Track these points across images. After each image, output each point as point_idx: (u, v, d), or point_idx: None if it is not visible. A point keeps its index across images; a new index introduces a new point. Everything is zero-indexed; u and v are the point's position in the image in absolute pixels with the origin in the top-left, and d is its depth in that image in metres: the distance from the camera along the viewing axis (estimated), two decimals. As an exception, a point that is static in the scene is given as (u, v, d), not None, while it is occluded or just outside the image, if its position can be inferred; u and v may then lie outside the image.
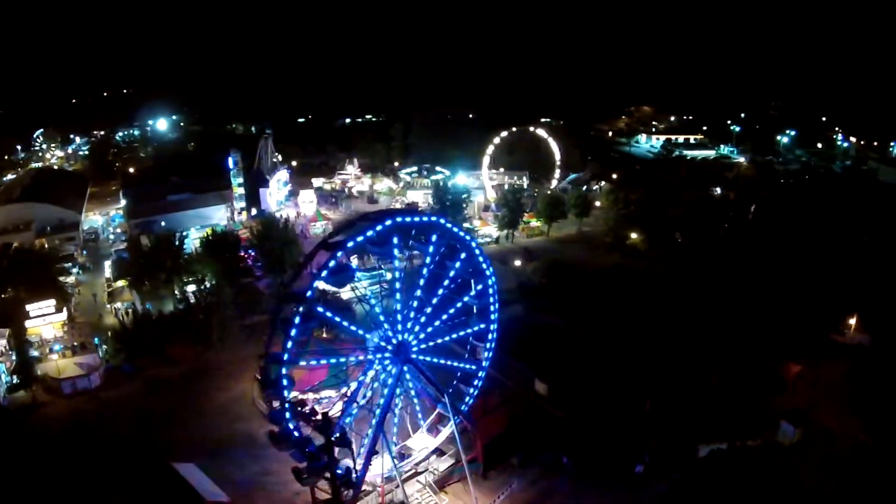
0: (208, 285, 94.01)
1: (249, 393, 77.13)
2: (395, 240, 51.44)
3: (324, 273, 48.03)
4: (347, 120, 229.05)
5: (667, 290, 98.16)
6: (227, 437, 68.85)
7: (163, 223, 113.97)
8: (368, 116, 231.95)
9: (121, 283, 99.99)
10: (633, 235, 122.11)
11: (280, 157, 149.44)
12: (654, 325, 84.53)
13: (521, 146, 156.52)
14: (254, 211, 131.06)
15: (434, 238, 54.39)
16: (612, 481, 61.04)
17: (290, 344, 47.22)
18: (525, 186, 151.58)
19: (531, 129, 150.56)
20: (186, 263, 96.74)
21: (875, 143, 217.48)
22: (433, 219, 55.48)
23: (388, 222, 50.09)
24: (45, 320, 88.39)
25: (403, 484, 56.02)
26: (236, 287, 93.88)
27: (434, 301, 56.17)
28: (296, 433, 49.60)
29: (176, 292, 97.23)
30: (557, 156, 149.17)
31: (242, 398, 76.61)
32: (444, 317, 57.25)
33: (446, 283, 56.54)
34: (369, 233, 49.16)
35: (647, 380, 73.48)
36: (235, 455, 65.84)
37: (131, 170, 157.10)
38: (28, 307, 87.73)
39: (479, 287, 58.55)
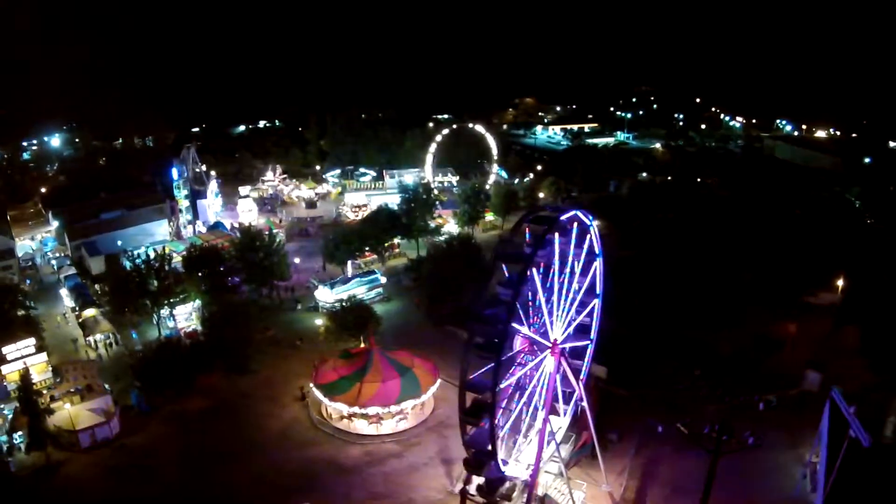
0: (200, 303, 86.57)
1: (303, 415, 71.69)
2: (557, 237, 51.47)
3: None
4: (242, 127, 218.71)
5: (647, 271, 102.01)
6: (307, 468, 63.39)
7: (119, 242, 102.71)
8: (264, 123, 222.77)
9: (91, 312, 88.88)
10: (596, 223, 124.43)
11: (205, 167, 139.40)
12: (653, 303, 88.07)
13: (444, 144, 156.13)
14: (200, 224, 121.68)
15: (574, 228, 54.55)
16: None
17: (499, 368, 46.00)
18: (455, 183, 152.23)
19: (469, 125, 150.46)
20: (172, 284, 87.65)
21: (754, 121, 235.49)
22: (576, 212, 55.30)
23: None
24: (24, 363, 76.82)
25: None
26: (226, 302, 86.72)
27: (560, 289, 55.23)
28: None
29: (163, 317, 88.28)
30: (494, 150, 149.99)
31: (297, 423, 70.82)
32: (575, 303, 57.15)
33: (578, 268, 56.51)
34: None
35: (687, 352, 78.34)
36: (328, 485, 61.06)
37: (43, 189, 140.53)
38: (4, 349, 76.23)
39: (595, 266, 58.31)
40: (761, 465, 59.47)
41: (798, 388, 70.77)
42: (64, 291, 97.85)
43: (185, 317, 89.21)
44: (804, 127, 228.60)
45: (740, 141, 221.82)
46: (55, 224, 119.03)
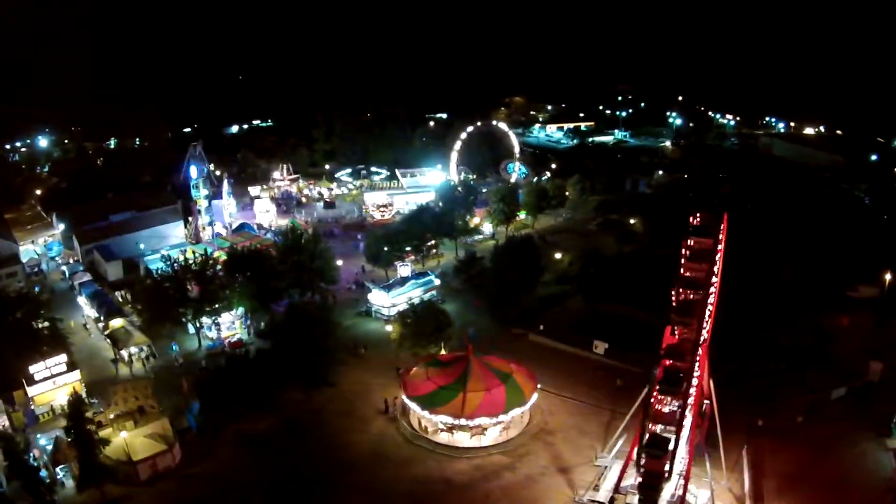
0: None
1: (390, 429, 64.15)
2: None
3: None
4: (235, 128, 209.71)
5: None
6: (418, 488, 56.40)
7: (142, 245, 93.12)
8: (258, 122, 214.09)
9: (119, 322, 79.22)
10: (632, 221, 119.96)
11: (213, 167, 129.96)
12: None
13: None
14: (217, 228, 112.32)
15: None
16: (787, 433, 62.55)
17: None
18: (471, 181, 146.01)
19: (493, 122, 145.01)
20: (218, 290, 78.72)
21: (738, 118, 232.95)
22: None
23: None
24: (54, 383, 67.41)
25: None
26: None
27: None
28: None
29: (202, 326, 79.44)
30: (517, 149, 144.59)
31: (387, 438, 63.28)
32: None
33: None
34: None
35: (755, 347, 75.37)
36: (452, 504, 54.48)
37: (38, 191, 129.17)
38: (31, 368, 66.64)
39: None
40: (851, 455, 59.05)
41: (863, 378, 70.35)
42: (82, 300, 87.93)
43: (226, 325, 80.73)
44: (793, 124, 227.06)
45: (734, 139, 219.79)
46: (60, 227, 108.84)
